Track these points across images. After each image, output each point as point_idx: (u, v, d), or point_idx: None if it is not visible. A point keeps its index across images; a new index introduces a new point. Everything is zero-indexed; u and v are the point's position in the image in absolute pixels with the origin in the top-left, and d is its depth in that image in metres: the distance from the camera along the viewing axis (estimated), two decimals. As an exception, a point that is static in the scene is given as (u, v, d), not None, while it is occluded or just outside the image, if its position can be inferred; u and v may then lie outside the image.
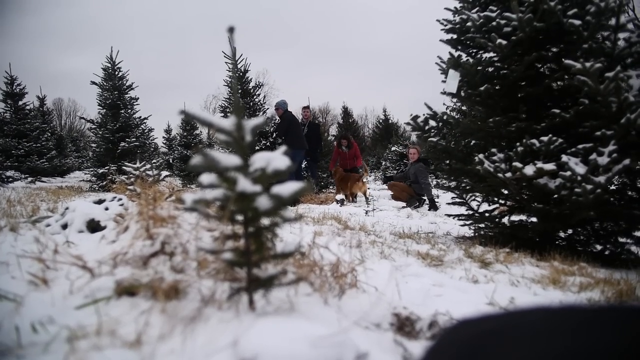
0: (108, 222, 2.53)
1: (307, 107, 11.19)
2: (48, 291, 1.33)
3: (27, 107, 15.78)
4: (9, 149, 14.53)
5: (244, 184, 1.02)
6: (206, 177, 1.08)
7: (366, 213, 6.24)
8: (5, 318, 1.01)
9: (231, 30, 1.10)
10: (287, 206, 1.09)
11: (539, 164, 3.13)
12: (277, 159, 1.08)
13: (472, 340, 0.52)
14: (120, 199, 2.93)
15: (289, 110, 9.98)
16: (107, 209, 2.82)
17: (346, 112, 37.79)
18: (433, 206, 8.23)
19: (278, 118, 9.86)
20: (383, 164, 18.39)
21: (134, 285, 1.22)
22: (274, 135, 9.86)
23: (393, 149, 16.05)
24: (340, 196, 7.96)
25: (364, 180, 9.36)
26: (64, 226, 2.57)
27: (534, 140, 3.24)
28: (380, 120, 43.54)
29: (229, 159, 1.02)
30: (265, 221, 1.14)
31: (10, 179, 11.26)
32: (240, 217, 1.12)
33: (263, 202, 1.05)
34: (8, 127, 14.91)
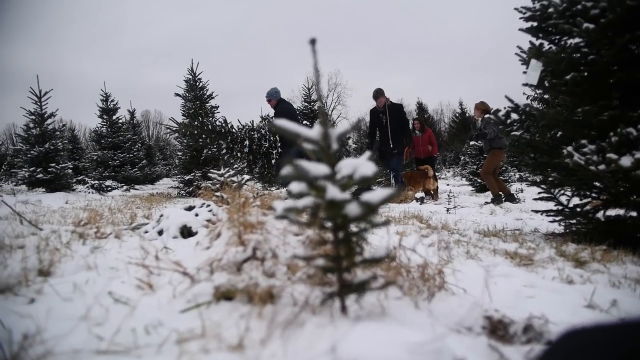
0: (199, 228, 2.68)
1: (380, 92, 8.48)
2: (154, 295, 1.44)
3: (120, 121, 17.16)
4: (107, 160, 15.96)
5: (333, 192, 1.05)
6: (296, 186, 1.12)
7: (447, 211, 6.10)
8: (123, 320, 1.11)
9: (313, 42, 1.13)
10: (376, 212, 1.10)
11: (638, 155, 2.90)
12: (363, 166, 1.09)
13: (584, 353, 0.49)
14: (208, 205, 3.10)
15: (283, 98, 8.28)
16: (197, 215, 2.99)
17: (421, 108, 37.09)
18: (505, 197, 7.94)
19: (273, 111, 8.38)
20: (462, 159, 17.83)
21: (231, 290, 1.29)
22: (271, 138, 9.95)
23: (472, 143, 15.49)
24: (420, 194, 7.82)
25: (430, 174, 9.04)
26: (160, 232, 2.76)
27: (631, 129, 3.00)
28: (457, 114, 42.34)
29: (318, 169, 1.05)
30: (354, 227, 1.16)
31: (109, 188, 12.22)
32: (329, 224, 1.15)
33: (352, 209, 1.07)
34: (105, 140, 16.42)
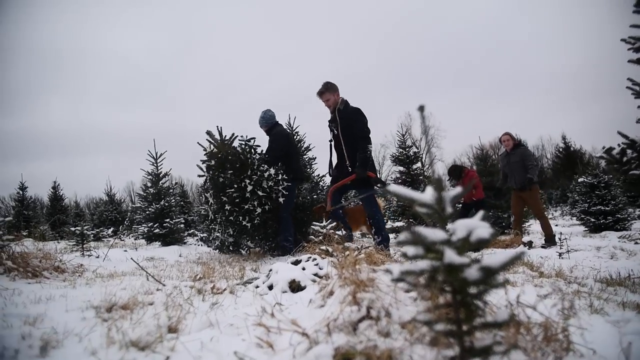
0: (307, 282, 2.76)
1: (329, 86, 5.67)
2: (275, 355, 1.50)
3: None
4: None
5: (451, 256, 1.06)
6: (411, 250, 1.14)
7: (560, 255, 5.67)
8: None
9: (421, 108, 1.18)
10: (497, 276, 1.08)
11: None
12: (479, 228, 1.09)
13: None
14: (314, 259, 3.19)
15: (279, 123, 6.50)
16: (304, 269, 3.08)
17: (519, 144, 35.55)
18: (550, 240, 7.19)
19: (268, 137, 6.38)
20: (570, 196, 16.57)
21: (351, 352, 1.31)
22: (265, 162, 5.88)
23: (580, 180, 14.36)
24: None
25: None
26: (270, 287, 2.88)
27: None
28: (560, 149, 40.04)
29: (435, 234, 1.06)
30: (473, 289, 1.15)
31: (216, 241, 12.93)
32: (447, 287, 1.15)
33: (472, 273, 1.07)
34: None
